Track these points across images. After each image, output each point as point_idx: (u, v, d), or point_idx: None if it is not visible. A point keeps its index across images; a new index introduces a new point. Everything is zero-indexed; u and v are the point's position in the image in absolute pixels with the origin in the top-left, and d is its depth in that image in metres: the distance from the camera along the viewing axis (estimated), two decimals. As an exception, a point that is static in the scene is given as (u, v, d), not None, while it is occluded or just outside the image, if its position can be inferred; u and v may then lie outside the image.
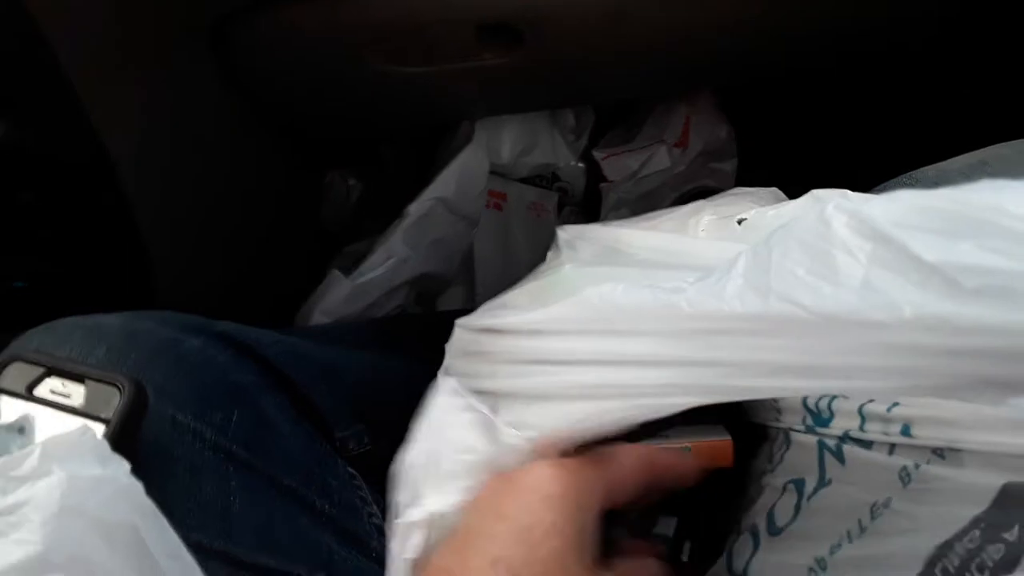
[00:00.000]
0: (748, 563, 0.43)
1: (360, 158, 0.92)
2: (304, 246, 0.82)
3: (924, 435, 0.35)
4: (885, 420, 0.37)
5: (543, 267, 0.45)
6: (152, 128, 0.54)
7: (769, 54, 0.66)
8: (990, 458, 0.34)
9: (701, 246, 0.42)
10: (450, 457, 0.35)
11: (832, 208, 0.26)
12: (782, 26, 0.60)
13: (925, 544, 0.33)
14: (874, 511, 0.37)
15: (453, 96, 0.59)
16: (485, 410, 0.36)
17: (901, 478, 0.36)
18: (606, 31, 0.53)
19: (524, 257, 0.91)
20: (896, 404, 0.37)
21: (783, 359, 0.28)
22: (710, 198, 0.45)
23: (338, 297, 0.75)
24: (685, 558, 0.51)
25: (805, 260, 0.27)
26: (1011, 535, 0.31)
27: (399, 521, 0.35)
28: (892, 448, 0.37)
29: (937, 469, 0.35)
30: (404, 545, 0.35)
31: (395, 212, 0.79)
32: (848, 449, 0.39)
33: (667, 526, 0.52)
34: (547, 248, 0.48)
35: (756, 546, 0.43)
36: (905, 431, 0.36)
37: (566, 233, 0.46)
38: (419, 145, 0.90)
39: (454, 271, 0.87)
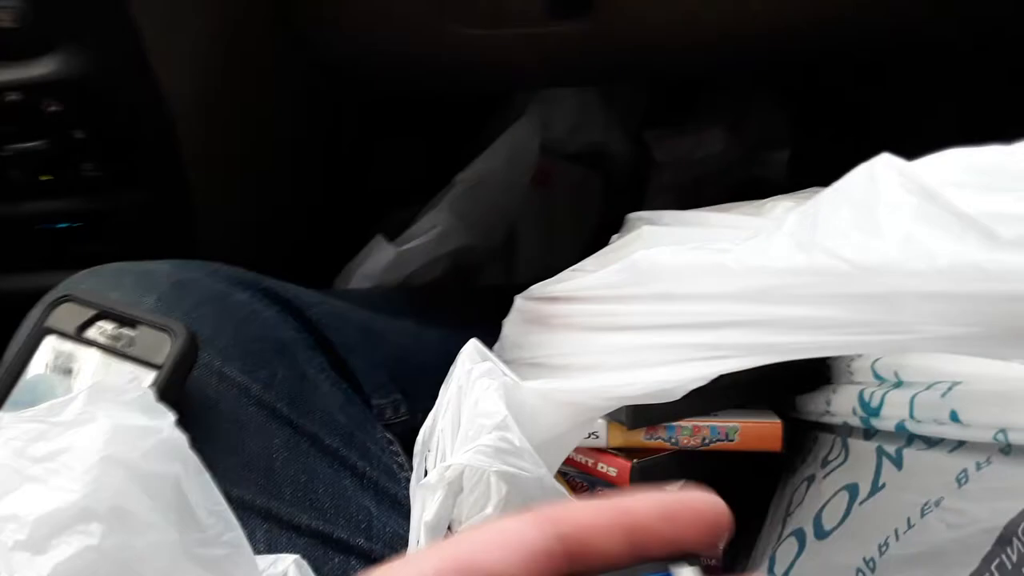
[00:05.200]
0: (791, 566, 0.42)
1: (413, 125, 0.93)
2: (349, 208, 0.82)
3: (972, 420, 0.35)
4: (935, 407, 0.36)
5: (618, 236, 0.44)
6: (208, 70, 0.53)
7: (839, 43, 0.65)
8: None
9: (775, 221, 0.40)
10: (469, 421, 0.34)
11: (881, 166, 0.27)
12: (852, 17, 0.58)
13: (978, 540, 0.32)
14: (924, 509, 0.36)
15: (516, 65, 0.60)
16: (504, 368, 0.36)
17: (958, 480, 0.35)
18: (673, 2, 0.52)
19: (567, 234, 0.90)
20: (948, 389, 0.36)
21: (824, 314, 0.28)
22: (789, 194, 0.43)
23: (380, 262, 0.75)
24: (719, 553, 0.52)
25: (851, 216, 0.27)
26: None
27: (418, 484, 0.35)
28: (955, 446, 0.36)
29: (996, 468, 0.34)
30: (423, 508, 0.34)
31: (443, 181, 0.79)
32: (908, 453, 0.38)
33: None
34: (591, 228, 0.46)
35: (801, 549, 0.42)
36: (953, 417, 0.35)
37: (637, 216, 0.45)
38: (471, 115, 0.91)
39: (496, 245, 0.87)
